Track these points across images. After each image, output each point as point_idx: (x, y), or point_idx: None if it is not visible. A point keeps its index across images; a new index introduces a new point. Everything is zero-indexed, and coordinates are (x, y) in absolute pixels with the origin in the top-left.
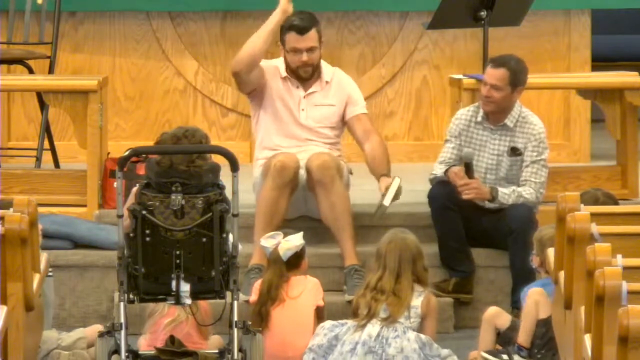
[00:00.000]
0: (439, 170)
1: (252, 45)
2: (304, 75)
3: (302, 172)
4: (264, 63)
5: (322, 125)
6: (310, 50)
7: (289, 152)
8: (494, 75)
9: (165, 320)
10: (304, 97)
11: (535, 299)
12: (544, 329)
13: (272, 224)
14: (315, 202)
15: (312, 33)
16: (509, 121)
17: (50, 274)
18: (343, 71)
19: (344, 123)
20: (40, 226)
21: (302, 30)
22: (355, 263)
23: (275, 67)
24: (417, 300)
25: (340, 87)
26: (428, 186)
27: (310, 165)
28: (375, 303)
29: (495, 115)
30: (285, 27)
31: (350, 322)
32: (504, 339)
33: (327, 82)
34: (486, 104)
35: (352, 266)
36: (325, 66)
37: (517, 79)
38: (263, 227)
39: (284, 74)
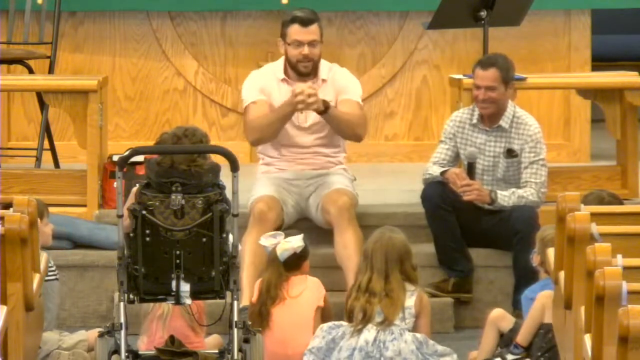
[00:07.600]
0: (434, 170)
1: (262, 131)
2: (304, 70)
3: (304, 183)
4: (260, 83)
5: (322, 123)
6: (311, 43)
7: (270, 195)
8: (487, 76)
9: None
10: None
11: (544, 302)
12: (549, 334)
13: (258, 272)
14: (316, 210)
15: (315, 27)
16: (504, 122)
17: (56, 277)
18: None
19: None
20: (51, 226)
21: (305, 23)
22: None
23: (269, 77)
24: (410, 300)
25: (335, 82)
26: None
27: (328, 205)
28: (370, 306)
29: (492, 116)
30: (288, 20)
31: (345, 325)
32: (506, 341)
33: (323, 80)
34: (485, 108)
35: None
36: (323, 64)
37: (507, 75)
38: (249, 278)
39: (282, 75)
